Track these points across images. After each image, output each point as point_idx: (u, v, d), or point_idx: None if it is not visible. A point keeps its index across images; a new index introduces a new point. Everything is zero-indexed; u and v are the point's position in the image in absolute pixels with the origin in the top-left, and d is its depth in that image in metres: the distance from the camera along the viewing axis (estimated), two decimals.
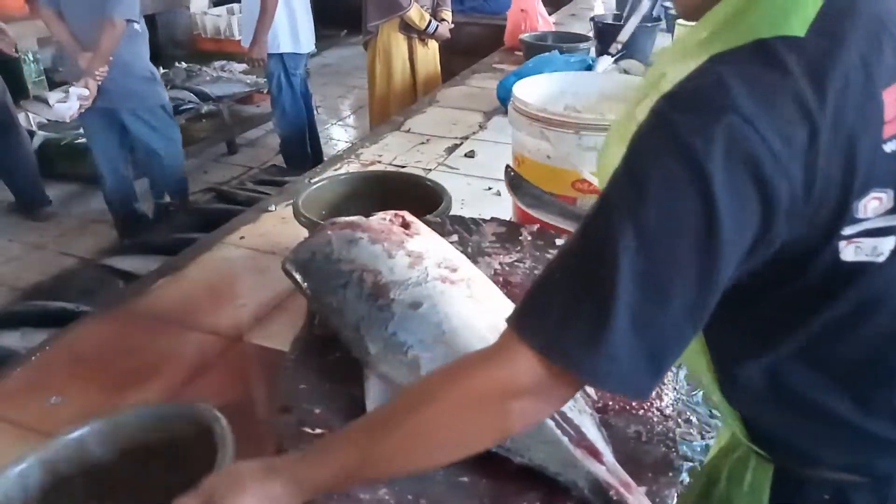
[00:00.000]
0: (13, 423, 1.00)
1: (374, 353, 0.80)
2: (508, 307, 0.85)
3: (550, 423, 0.70)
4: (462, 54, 4.09)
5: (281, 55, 3.81)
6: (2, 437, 0.97)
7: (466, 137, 2.19)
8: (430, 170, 1.91)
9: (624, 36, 0.70)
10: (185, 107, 4.42)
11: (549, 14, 3.42)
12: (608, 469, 0.70)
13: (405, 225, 0.97)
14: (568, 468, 0.69)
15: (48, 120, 4.10)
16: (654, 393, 0.90)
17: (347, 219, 0.97)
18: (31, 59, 4.39)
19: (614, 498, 0.67)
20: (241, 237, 1.55)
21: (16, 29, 3.91)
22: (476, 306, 0.84)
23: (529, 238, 1.18)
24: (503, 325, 0.82)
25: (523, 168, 1.27)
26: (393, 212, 0.99)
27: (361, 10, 3.71)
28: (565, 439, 0.69)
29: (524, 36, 2.87)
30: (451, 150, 2.08)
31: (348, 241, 0.91)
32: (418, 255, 0.89)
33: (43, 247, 3.45)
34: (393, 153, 2.05)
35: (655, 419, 0.86)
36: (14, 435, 0.97)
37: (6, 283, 2.90)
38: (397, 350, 0.78)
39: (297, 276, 0.92)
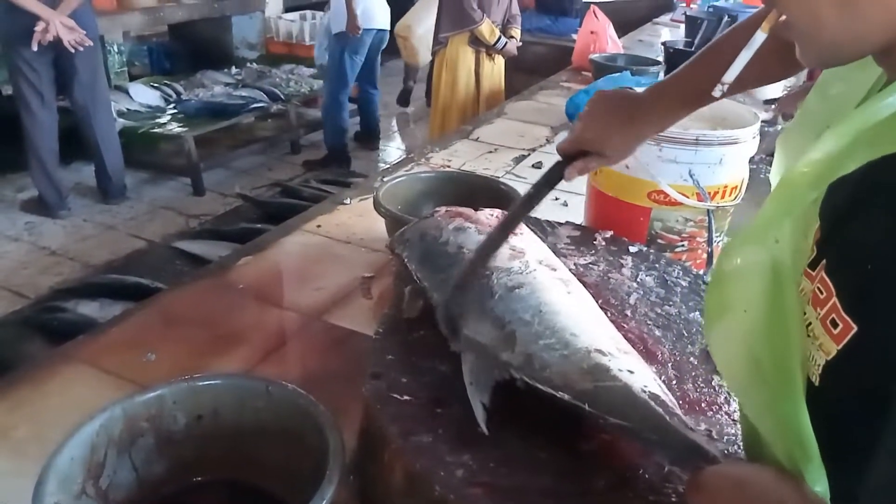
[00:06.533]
0: (113, 374, 1.07)
1: (472, 324, 0.84)
2: (603, 316, 0.89)
3: (643, 396, 0.73)
4: (526, 72, 4.16)
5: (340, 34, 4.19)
6: (104, 386, 1.05)
7: (534, 149, 2.23)
8: (498, 177, 1.96)
9: (731, 75, 0.65)
10: (254, 105, 4.60)
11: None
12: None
13: None
14: (664, 434, 0.70)
15: (127, 109, 4.31)
16: (722, 398, 0.93)
17: (457, 208, 1.04)
18: (116, 50, 4.62)
19: (711, 455, 0.67)
20: (318, 225, 1.63)
21: (103, 23, 4.14)
22: (574, 301, 0.89)
23: (604, 243, 1.22)
24: (601, 322, 0.85)
25: (601, 177, 1.31)
26: (500, 210, 1.05)
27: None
28: (659, 409, 0.72)
29: (595, 56, 2.91)
30: (518, 160, 2.13)
31: (456, 228, 0.98)
32: (521, 250, 0.94)
33: (114, 228, 3.62)
34: (462, 159, 2.11)
35: (724, 421, 0.88)
36: (114, 385, 1.05)
37: (80, 259, 3.06)
38: (496, 323, 0.83)
39: (404, 253, 0.99)
